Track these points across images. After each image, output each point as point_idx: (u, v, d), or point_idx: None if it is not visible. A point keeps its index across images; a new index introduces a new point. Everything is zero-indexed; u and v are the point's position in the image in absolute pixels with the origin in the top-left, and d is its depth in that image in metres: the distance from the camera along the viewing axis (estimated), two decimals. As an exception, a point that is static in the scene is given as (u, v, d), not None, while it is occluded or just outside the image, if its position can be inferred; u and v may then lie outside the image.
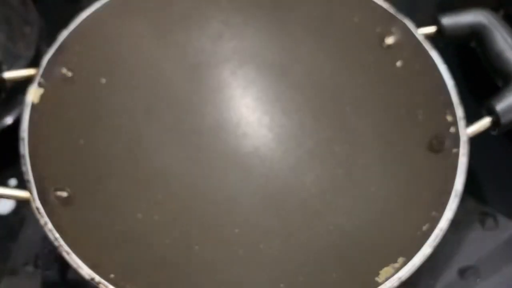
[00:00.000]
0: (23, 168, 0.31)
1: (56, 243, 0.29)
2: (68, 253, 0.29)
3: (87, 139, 0.36)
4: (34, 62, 0.47)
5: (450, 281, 0.39)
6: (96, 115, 0.37)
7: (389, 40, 0.39)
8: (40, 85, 0.35)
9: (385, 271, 0.30)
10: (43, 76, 0.35)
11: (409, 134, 0.37)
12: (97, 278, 0.28)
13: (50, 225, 0.30)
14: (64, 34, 0.37)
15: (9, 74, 0.35)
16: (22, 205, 0.43)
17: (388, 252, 0.31)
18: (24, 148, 0.32)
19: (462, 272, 0.40)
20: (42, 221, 0.30)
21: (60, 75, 0.36)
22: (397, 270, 0.30)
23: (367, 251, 0.33)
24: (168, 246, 0.33)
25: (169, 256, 0.33)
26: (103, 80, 0.39)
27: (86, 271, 0.29)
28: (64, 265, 0.39)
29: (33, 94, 0.34)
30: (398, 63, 0.39)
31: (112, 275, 0.29)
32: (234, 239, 0.35)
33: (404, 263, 0.30)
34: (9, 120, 0.46)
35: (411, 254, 0.30)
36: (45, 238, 0.40)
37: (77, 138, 0.35)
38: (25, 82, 0.45)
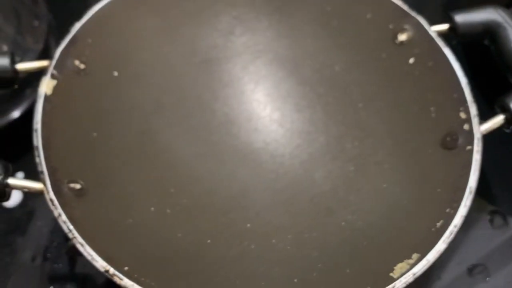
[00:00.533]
0: (37, 160, 0.31)
1: (70, 235, 0.29)
2: (82, 245, 0.29)
3: (100, 132, 0.36)
4: (42, 55, 0.47)
5: (459, 279, 0.39)
6: (108, 108, 0.37)
7: (402, 37, 0.39)
8: (53, 76, 0.34)
9: (399, 267, 0.30)
10: (55, 67, 0.35)
11: (422, 131, 0.37)
12: (112, 270, 0.28)
13: (64, 217, 0.29)
14: (76, 27, 0.37)
15: (22, 66, 0.34)
16: (29, 198, 0.44)
17: (402, 248, 0.31)
18: (38, 140, 0.32)
19: (471, 270, 0.40)
20: (56, 213, 0.30)
21: (72, 67, 0.36)
22: (412, 266, 0.30)
23: (381, 247, 0.33)
24: (180, 239, 0.33)
25: (182, 249, 0.33)
26: (115, 73, 0.38)
27: (100, 263, 0.28)
28: (73, 258, 0.39)
29: (46, 85, 0.34)
30: (411, 60, 0.39)
31: (126, 268, 0.29)
32: (246, 234, 0.35)
33: (419, 259, 0.30)
34: (16, 114, 0.46)
35: (426, 250, 0.30)
36: (54, 231, 0.41)
37: (90, 130, 0.35)
38: (33, 77, 0.45)
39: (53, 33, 0.50)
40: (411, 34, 0.39)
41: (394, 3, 0.40)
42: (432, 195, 0.33)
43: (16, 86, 0.35)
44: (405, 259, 0.30)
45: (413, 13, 0.39)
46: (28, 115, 0.45)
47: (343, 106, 0.41)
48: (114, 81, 0.38)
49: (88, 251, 0.29)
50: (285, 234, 0.35)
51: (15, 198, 0.43)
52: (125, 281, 0.28)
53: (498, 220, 0.43)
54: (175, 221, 0.35)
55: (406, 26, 0.39)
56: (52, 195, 0.30)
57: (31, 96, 0.46)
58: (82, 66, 0.36)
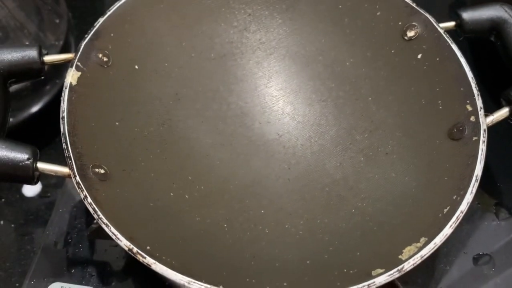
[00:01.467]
0: (63, 146, 0.33)
1: (95, 216, 0.31)
2: (107, 225, 0.30)
3: (122, 121, 0.37)
4: (62, 52, 0.49)
5: (465, 268, 0.41)
6: (129, 99, 0.39)
7: (411, 33, 0.41)
8: (77, 68, 0.36)
9: (408, 250, 0.31)
10: (80, 60, 0.36)
11: (430, 123, 0.38)
12: (135, 249, 0.30)
13: (89, 199, 0.31)
14: (100, 21, 0.38)
15: (48, 58, 0.36)
16: (47, 189, 0.45)
17: (411, 233, 0.32)
18: (64, 127, 0.34)
19: (477, 260, 0.41)
20: (82, 195, 0.31)
21: (96, 59, 0.38)
22: (420, 249, 0.31)
23: (390, 232, 0.34)
24: (198, 223, 0.35)
25: (200, 232, 0.34)
26: (136, 66, 0.40)
27: (124, 243, 0.30)
28: (93, 242, 0.41)
29: (71, 76, 0.36)
30: (419, 55, 0.40)
31: (148, 247, 0.30)
32: (260, 219, 0.36)
33: (427, 243, 0.31)
34: (35, 108, 0.48)
35: (433, 234, 0.31)
36: (75, 217, 0.42)
37: (113, 119, 0.37)
38: (53, 73, 0.47)
39: (72, 30, 0.52)
40: (419, 30, 0.40)
41: (403, 1, 0.41)
42: (440, 183, 0.35)
43: (42, 77, 0.37)
44: (413, 242, 0.32)
45: (422, 10, 0.41)
46: (47, 109, 0.47)
47: (353, 100, 0.42)
48: (135, 74, 0.40)
49: (112, 231, 0.30)
50: (298, 220, 0.36)
51: (34, 188, 0.45)
52: (148, 259, 0.30)
53: (503, 212, 0.44)
54: (193, 206, 0.36)
55: (415, 23, 0.41)
56: (78, 178, 0.32)
57: (51, 91, 0.49)
58: (105, 59, 0.38)
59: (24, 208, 0.44)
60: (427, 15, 0.40)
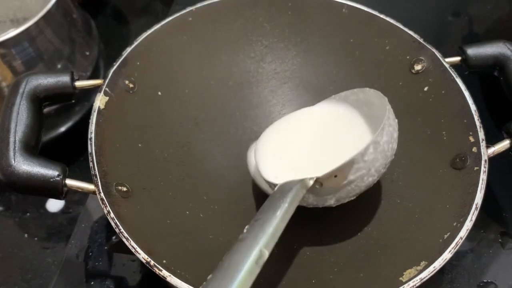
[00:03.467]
0: (90, 164, 0.36)
1: (117, 230, 0.33)
2: (127, 239, 0.33)
3: (144, 143, 0.40)
4: (93, 75, 0.53)
5: None
6: (152, 123, 0.42)
7: (418, 67, 0.43)
8: (105, 93, 0.39)
9: (408, 272, 0.33)
10: (108, 85, 0.40)
11: (434, 153, 0.40)
12: (152, 262, 0.32)
13: (112, 214, 0.34)
14: (127, 50, 0.42)
15: (80, 83, 0.39)
16: (70, 205, 0.48)
17: (412, 256, 0.34)
18: (92, 147, 0.36)
19: (481, 287, 0.42)
20: (105, 210, 0.34)
21: (123, 85, 0.41)
22: (420, 272, 0.33)
23: (393, 255, 0.36)
24: (211, 240, 0.37)
25: (213, 248, 0.36)
26: (159, 93, 0.43)
27: (142, 256, 0.32)
28: (112, 257, 0.43)
29: (99, 100, 0.39)
30: (426, 88, 0.42)
31: (164, 261, 0.33)
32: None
33: (426, 266, 0.33)
34: (62, 128, 0.51)
35: (433, 259, 0.33)
36: (96, 232, 0.45)
37: (136, 141, 0.40)
38: (82, 95, 0.50)
39: (102, 57, 0.56)
40: (426, 64, 0.43)
41: (411, 36, 0.44)
42: (442, 210, 0.36)
43: (73, 101, 0.40)
44: (414, 265, 0.33)
45: (429, 46, 0.43)
46: (75, 129, 0.50)
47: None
48: (158, 100, 0.43)
49: (132, 245, 0.33)
50: (306, 241, 0.38)
51: (57, 204, 0.48)
52: (164, 272, 0.32)
53: (508, 241, 0.45)
54: (207, 224, 0.38)
55: (422, 57, 0.43)
56: (102, 195, 0.34)
57: (79, 112, 0.52)
58: (131, 85, 0.41)
59: (48, 223, 0.47)
60: (434, 50, 0.43)
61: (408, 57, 0.44)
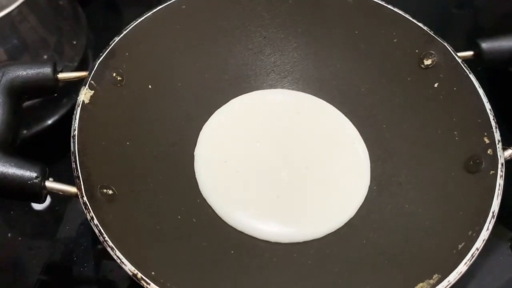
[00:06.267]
0: (73, 165, 0.33)
1: (101, 238, 0.30)
2: (112, 249, 0.30)
3: (133, 141, 0.37)
4: (80, 67, 0.49)
5: None
6: (141, 118, 0.38)
7: (428, 61, 0.40)
8: (91, 86, 0.36)
9: (420, 286, 0.30)
10: (93, 78, 0.36)
11: (446, 154, 0.37)
12: (140, 274, 0.29)
13: (96, 221, 0.31)
14: (115, 40, 0.38)
15: (62, 75, 0.36)
16: (56, 202, 0.45)
17: (423, 268, 0.31)
18: (75, 146, 0.33)
19: None
20: (89, 216, 0.31)
21: (110, 78, 0.38)
22: (433, 286, 0.30)
23: (402, 266, 0.33)
24: (205, 248, 0.34)
25: (206, 257, 0.34)
26: (150, 86, 0.40)
27: (129, 267, 0.29)
28: (99, 263, 0.40)
29: (84, 95, 0.35)
30: (436, 84, 0.40)
31: (153, 272, 0.30)
32: (268, 247, 0.36)
33: (440, 280, 0.30)
34: (50, 121, 0.48)
35: (447, 272, 0.30)
36: (81, 236, 0.42)
37: (124, 139, 0.37)
38: (71, 87, 0.46)
39: (90, 47, 0.52)
40: (436, 59, 0.40)
41: (421, 28, 0.41)
42: (454, 218, 0.34)
43: (55, 95, 0.37)
44: (426, 279, 0.31)
45: (439, 39, 0.40)
46: (62, 123, 0.47)
47: (367, 127, 0.42)
48: (148, 93, 0.40)
49: (117, 255, 0.30)
50: (307, 249, 0.35)
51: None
52: (152, 286, 0.29)
53: (519, 247, 0.43)
54: (200, 230, 0.36)
55: (432, 51, 0.40)
56: (85, 199, 0.31)
57: (67, 105, 0.49)
58: (119, 78, 0.38)
59: (33, 222, 0.44)
60: (445, 43, 0.40)
61: (417, 50, 0.41)
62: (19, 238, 0.43)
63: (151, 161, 0.37)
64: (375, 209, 0.37)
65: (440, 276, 0.30)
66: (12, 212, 0.44)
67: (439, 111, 0.39)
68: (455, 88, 0.39)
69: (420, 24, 0.41)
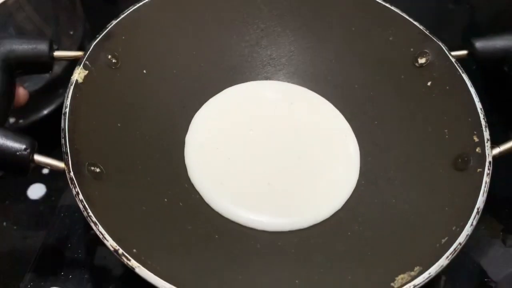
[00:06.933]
0: (62, 141, 0.33)
1: (85, 213, 0.30)
2: (95, 224, 0.30)
3: (124, 123, 0.37)
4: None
5: None
6: (135, 102, 0.39)
7: (422, 60, 0.40)
8: (85, 66, 0.36)
9: (401, 278, 0.30)
10: (88, 59, 0.37)
11: (435, 151, 0.37)
12: (121, 250, 0.29)
13: (81, 196, 0.31)
14: (112, 23, 0.39)
15: (58, 53, 0.36)
16: (52, 192, 0.44)
17: (406, 261, 0.31)
18: (65, 123, 0.33)
19: (482, 286, 0.39)
20: (74, 191, 0.31)
21: (105, 60, 0.38)
22: (413, 278, 0.30)
23: (385, 258, 0.33)
24: (189, 231, 0.34)
25: (190, 241, 0.34)
26: (144, 71, 0.40)
27: (111, 243, 0.29)
28: (93, 249, 0.40)
29: (78, 73, 0.36)
30: (429, 83, 0.40)
31: (134, 250, 0.30)
32: (252, 234, 0.36)
33: (421, 272, 0.30)
34: (47, 110, 0.48)
35: (429, 264, 0.30)
36: (76, 223, 0.41)
37: (115, 120, 0.37)
38: (67, 76, 0.47)
39: (87, 38, 0.52)
40: (431, 57, 0.40)
41: (417, 27, 0.41)
42: (440, 213, 0.34)
43: (49, 71, 0.37)
44: (407, 271, 0.31)
45: (435, 38, 0.40)
46: (57, 112, 0.46)
47: (359, 122, 0.42)
48: (143, 78, 0.40)
49: (100, 230, 0.30)
50: (292, 238, 0.35)
51: (39, 192, 0.44)
52: (132, 262, 0.29)
53: (510, 239, 0.42)
54: (186, 214, 0.36)
55: (427, 50, 0.40)
56: (72, 174, 0.31)
57: (63, 95, 0.49)
58: (113, 60, 0.38)
59: (28, 211, 0.44)
60: (440, 43, 0.40)
61: (412, 49, 0.41)
62: (14, 227, 0.43)
63: (141, 144, 0.37)
64: (362, 203, 0.38)
65: (421, 268, 0.30)
66: (7, 202, 0.44)
67: (431, 109, 0.39)
68: (447, 87, 0.39)
69: (416, 23, 0.41)
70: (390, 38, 0.42)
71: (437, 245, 0.32)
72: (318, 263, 0.34)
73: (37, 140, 0.33)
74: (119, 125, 0.37)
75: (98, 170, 0.33)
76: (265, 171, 0.38)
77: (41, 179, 0.44)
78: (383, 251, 0.33)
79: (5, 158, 0.31)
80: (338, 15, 0.43)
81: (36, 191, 0.44)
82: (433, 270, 0.30)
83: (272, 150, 0.40)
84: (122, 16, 0.39)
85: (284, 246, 0.35)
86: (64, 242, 0.40)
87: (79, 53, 0.37)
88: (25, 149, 0.31)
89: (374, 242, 0.34)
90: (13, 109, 0.35)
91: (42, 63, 0.36)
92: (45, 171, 0.45)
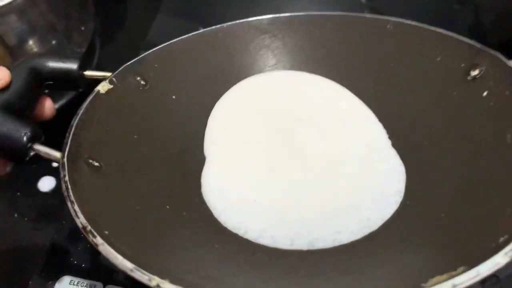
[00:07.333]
0: (66, 134, 0.32)
1: (65, 193, 0.28)
2: (72, 203, 0.27)
3: (142, 136, 0.36)
4: (87, 53, 0.49)
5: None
6: (157, 120, 0.37)
7: (475, 72, 0.35)
8: (110, 82, 0.37)
9: (436, 279, 0.22)
10: (116, 76, 0.37)
11: (497, 156, 0.30)
12: (89, 227, 0.26)
13: (67, 178, 0.29)
14: (147, 51, 0.40)
15: (88, 73, 0.38)
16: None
17: (448, 259, 0.23)
18: (75, 120, 0.33)
19: (483, 281, 0.31)
20: (61, 174, 0.29)
21: (133, 81, 0.38)
22: (452, 276, 0.22)
23: (420, 254, 0.25)
24: (186, 238, 0.29)
25: (186, 246, 0.29)
26: (174, 97, 0.40)
27: (81, 220, 0.26)
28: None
29: (101, 86, 0.36)
30: (485, 93, 0.34)
31: (106, 232, 0.26)
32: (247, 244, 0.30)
33: (464, 270, 0.22)
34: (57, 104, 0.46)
35: (476, 262, 0.22)
36: None
37: (132, 132, 0.36)
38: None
39: (98, 33, 0.53)
40: (484, 68, 0.35)
41: (465, 43, 0.37)
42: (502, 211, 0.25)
43: (80, 90, 0.38)
44: (448, 271, 0.22)
45: (487, 49, 0.35)
46: (68, 107, 0.46)
47: (408, 142, 0.36)
48: (170, 102, 0.39)
49: (74, 208, 0.27)
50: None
51: (49, 184, 0.45)
52: (97, 239, 0.25)
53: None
54: (187, 222, 0.31)
55: (479, 62, 0.35)
56: (65, 160, 0.30)
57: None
58: (142, 82, 0.39)
59: (39, 203, 0.44)
60: (494, 52, 0.35)
61: (463, 64, 0.36)
62: (25, 219, 0.43)
63: (152, 159, 0.35)
64: (402, 222, 0.30)
65: (466, 267, 0.22)
66: (18, 193, 0.45)
67: (488, 117, 0.33)
68: (507, 93, 0.33)
69: (464, 39, 0.37)
70: (438, 59, 0.38)
71: (493, 244, 0.23)
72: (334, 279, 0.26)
73: (46, 135, 0.32)
74: (135, 136, 0.36)
75: (96, 164, 0.32)
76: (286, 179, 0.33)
77: (51, 172, 0.45)
78: (419, 246, 0.25)
79: (4, 142, 0.31)
80: (380, 46, 0.41)
81: (47, 183, 0.45)
82: (483, 269, 0.21)
83: (299, 157, 0.35)
84: (158, 47, 0.41)
85: (295, 267, 0.28)
86: (76, 233, 0.38)
87: (108, 74, 0.38)
88: (24, 135, 0.31)
89: (409, 234, 0.26)
90: (38, 121, 0.36)
91: (72, 81, 0.37)
92: (55, 164, 0.45)
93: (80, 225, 0.26)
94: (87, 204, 0.28)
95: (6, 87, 0.33)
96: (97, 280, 0.36)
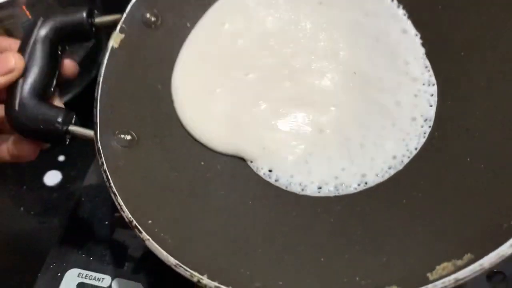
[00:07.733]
0: (94, 111, 0.33)
1: (107, 184, 0.31)
2: (115, 195, 0.30)
3: (166, 84, 0.36)
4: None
5: (478, 285, 0.34)
6: (175, 60, 0.37)
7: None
8: (121, 30, 0.35)
9: (442, 268, 0.23)
10: (125, 21, 0.36)
11: None
12: (134, 223, 0.29)
13: (105, 166, 0.31)
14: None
15: (97, 19, 0.36)
16: (67, 180, 0.46)
17: (454, 244, 0.24)
18: (98, 93, 0.34)
19: (490, 277, 0.34)
20: (100, 161, 0.31)
21: (143, 19, 0.36)
22: (458, 269, 0.23)
23: (433, 240, 0.26)
24: (210, 219, 0.31)
25: (213, 228, 0.31)
26: (188, 24, 0.38)
27: (126, 214, 0.29)
28: (112, 235, 0.40)
29: (114, 39, 0.35)
30: None
31: (150, 221, 0.29)
32: (289, 201, 0.32)
33: (470, 262, 0.23)
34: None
35: (483, 252, 0.23)
36: (96, 208, 0.41)
37: (155, 82, 0.36)
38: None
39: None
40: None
41: None
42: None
43: (91, 40, 0.37)
44: (453, 258, 0.23)
45: None
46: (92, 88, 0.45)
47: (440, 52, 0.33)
48: (186, 32, 0.37)
49: (118, 201, 0.30)
50: (334, 205, 0.30)
51: (55, 178, 0.46)
52: (143, 234, 0.28)
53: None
54: (216, 185, 0.33)
55: None
56: (99, 145, 0.32)
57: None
58: (153, 18, 0.37)
59: (45, 197, 0.45)
60: None
61: None
62: (31, 213, 0.44)
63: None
64: (428, 161, 0.30)
65: (472, 257, 0.23)
66: (24, 187, 0.46)
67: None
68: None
69: None
70: None
71: (505, 225, 0.23)
72: (354, 239, 0.28)
73: (78, 112, 0.34)
74: (159, 86, 0.36)
75: (129, 137, 0.33)
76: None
77: (57, 166, 0.46)
78: (433, 231, 0.26)
79: (44, 127, 0.32)
80: None
81: (52, 178, 0.46)
82: (487, 261, 0.22)
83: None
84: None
85: (322, 214, 0.30)
86: (84, 226, 0.41)
87: (118, 16, 0.36)
88: (61, 119, 0.32)
89: (428, 215, 0.27)
90: (62, 81, 0.37)
91: (83, 32, 0.36)
92: (61, 158, 0.46)
93: (126, 220, 0.29)
94: (128, 191, 0.30)
95: (25, 71, 0.34)
96: (105, 274, 0.37)
